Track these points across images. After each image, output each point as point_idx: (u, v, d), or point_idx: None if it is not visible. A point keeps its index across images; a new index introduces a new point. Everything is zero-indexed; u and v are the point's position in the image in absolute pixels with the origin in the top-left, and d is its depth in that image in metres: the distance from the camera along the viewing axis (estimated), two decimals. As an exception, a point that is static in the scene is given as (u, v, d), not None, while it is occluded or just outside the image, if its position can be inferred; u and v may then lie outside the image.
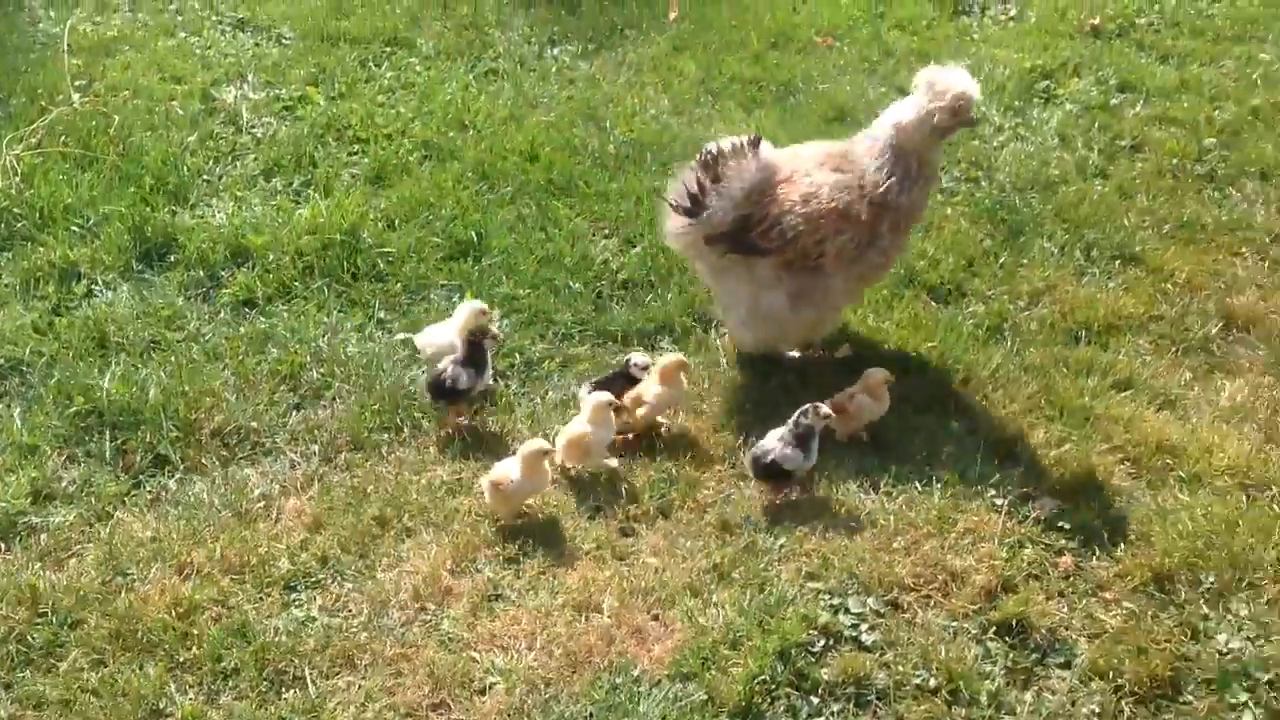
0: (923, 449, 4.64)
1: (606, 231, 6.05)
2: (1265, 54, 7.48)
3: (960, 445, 4.68)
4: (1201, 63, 7.44)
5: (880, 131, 4.53)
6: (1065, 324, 5.31)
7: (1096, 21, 7.83)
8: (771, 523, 4.37)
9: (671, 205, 4.59)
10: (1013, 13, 8.25)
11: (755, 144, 4.53)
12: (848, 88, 7.26)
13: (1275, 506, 4.31)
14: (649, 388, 4.61)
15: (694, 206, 4.51)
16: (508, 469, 4.19)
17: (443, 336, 4.84)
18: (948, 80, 4.42)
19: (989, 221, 6.01)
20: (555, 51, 7.88)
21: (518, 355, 5.10)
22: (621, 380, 4.67)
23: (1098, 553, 4.25)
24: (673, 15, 8.19)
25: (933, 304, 5.45)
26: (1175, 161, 6.43)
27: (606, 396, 4.40)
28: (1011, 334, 5.22)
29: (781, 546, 4.29)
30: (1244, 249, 5.77)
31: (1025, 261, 5.73)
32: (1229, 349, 5.18)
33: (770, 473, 4.28)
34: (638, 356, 4.74)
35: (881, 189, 4.45)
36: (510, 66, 7.62)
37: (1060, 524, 4.36)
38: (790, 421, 4.28)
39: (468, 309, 4.83)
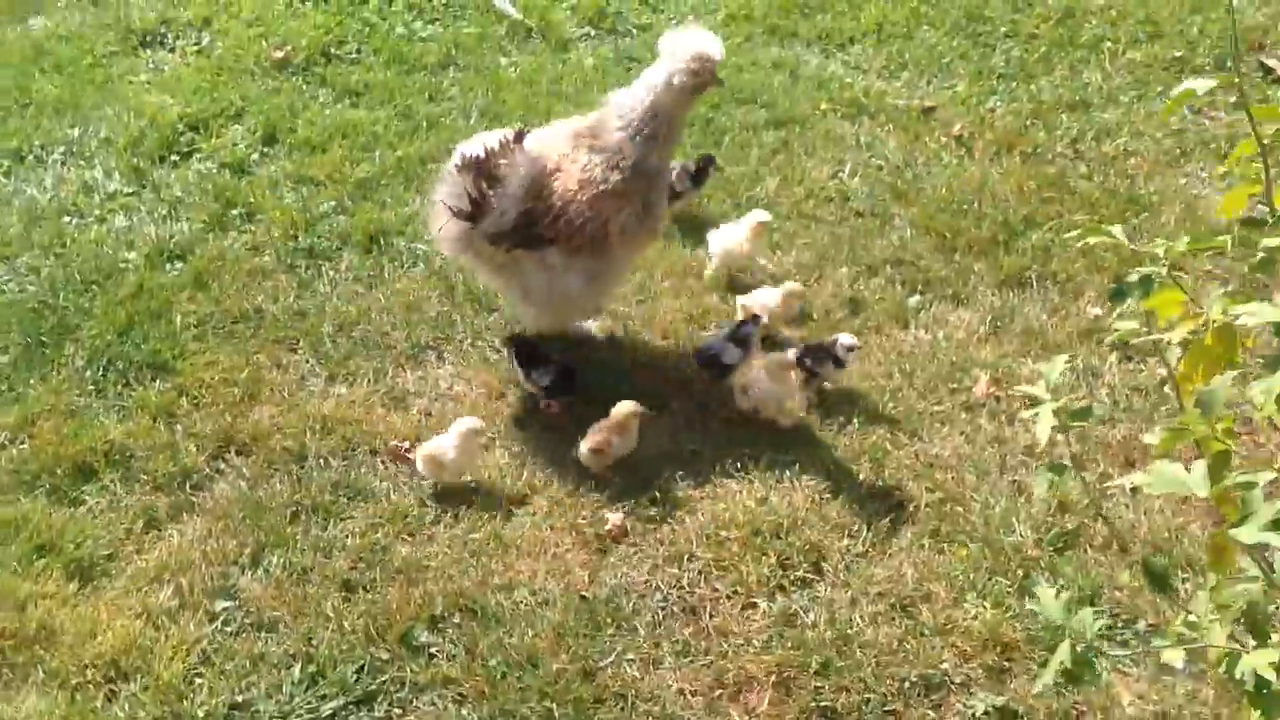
0: None
1: None
2: (453, 86, 7.32)
3: None
4: (380, 101, 7.18)
5: (634, 97, 4.85)
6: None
7: (282, 53, 7.46)
8: None
9: (452, 211, 4.81)
10: (202, 44, 7.75)
11: (520, 138, 4.83)
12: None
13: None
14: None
15: (476, 211, 4.78)
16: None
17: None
18: (688, 42, 4.83)
19: (19, 330, 5.48)
20: None
21: None
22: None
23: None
24: None
25: None
26: (278, 234, 6.10)
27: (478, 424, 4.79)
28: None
29: None
30: (301, 342, 5.48)
31: (34, 382, 5.23)
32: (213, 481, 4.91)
33: (710, 363, 5.15)
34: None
35: (636, 155, 4.83)
36: None
37: None
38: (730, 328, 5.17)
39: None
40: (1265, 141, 2.46)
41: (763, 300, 5.41)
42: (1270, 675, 2.50)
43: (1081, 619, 2.95)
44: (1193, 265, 5.45)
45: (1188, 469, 2.58)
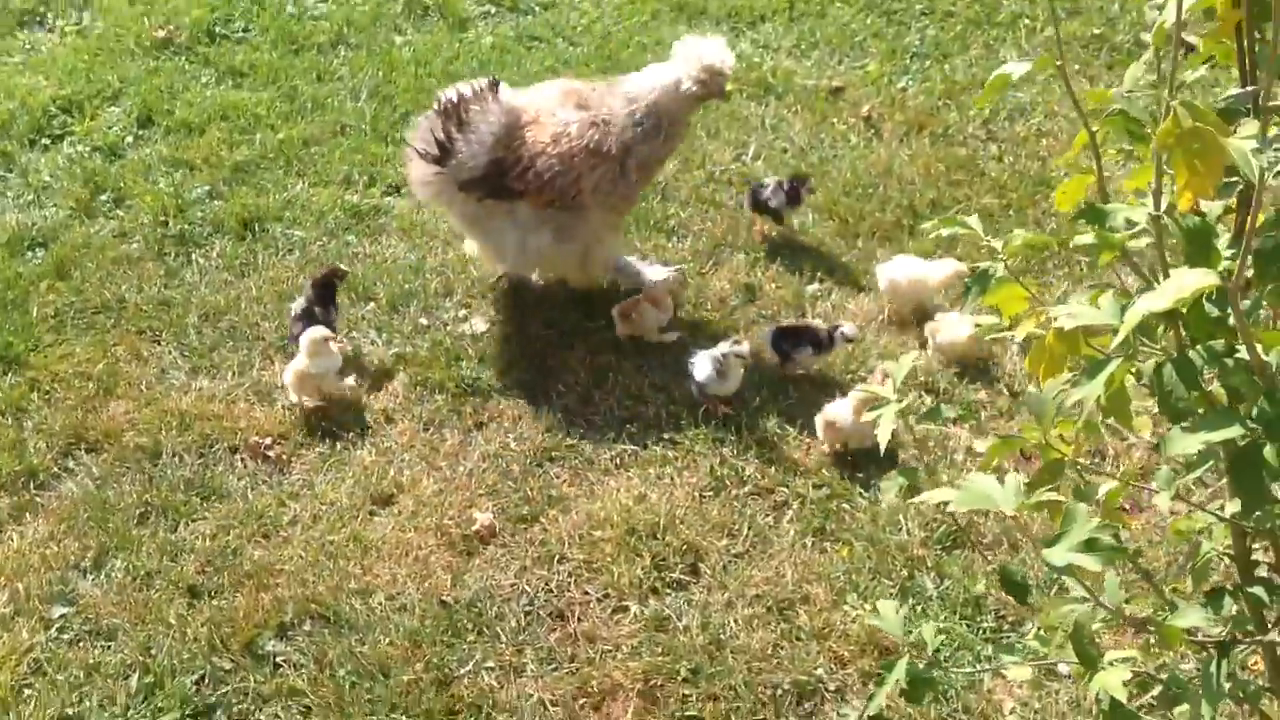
0: None
1: None
2: (343, 66, 7.10)
3: None
4: (265, 81, 6.95)
5: (641, 89, 4.95)
6: None
7: (164, 32, 7.20)
8: None
9: (419, 153, 4.93)
10: (82, 23, 7.48)
11: (494, 87, 4.89)
12: None
13: None
14: None
15: (443, 154, 4.86)
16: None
17: None
18: (702, 51, 4.91)
19: None
20: None
21: None
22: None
23: None
24: None
25: None
26: (148, 220, 5.87)
27: (323, 332, 4.85)
28: None
29: None
30: (164, 333, 5.26)
31: None
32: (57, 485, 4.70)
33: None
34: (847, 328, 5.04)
35: (628, 135, 4.91)
36: None
37: None
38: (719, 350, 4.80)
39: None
40: (1095, 129, 2.30)
41: (952, 330, 5.09)
42: (1120, 695, 2.38)
43: (922, 634, 2.82)
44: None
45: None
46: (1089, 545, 2.17)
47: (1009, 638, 4.15)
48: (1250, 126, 2.16)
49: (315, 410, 4.92)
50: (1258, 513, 2.08)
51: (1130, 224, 2.10)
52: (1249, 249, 1.92)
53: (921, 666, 2.70)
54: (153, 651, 4.09)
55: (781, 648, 4.11)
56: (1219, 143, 1.92)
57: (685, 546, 4.43)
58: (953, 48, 7.43)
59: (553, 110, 4.94)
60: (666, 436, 4.88)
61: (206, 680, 4.02)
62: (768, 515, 4.55)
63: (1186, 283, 1.92)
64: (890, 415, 2.70)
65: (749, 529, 4.50)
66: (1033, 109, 6.77)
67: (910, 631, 2.66)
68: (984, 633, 4.14)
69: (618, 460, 4.79)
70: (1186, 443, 2.06)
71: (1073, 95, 2.31)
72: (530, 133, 4.91)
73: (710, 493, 4.64)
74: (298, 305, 5.13)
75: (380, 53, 7.28)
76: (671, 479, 4.70)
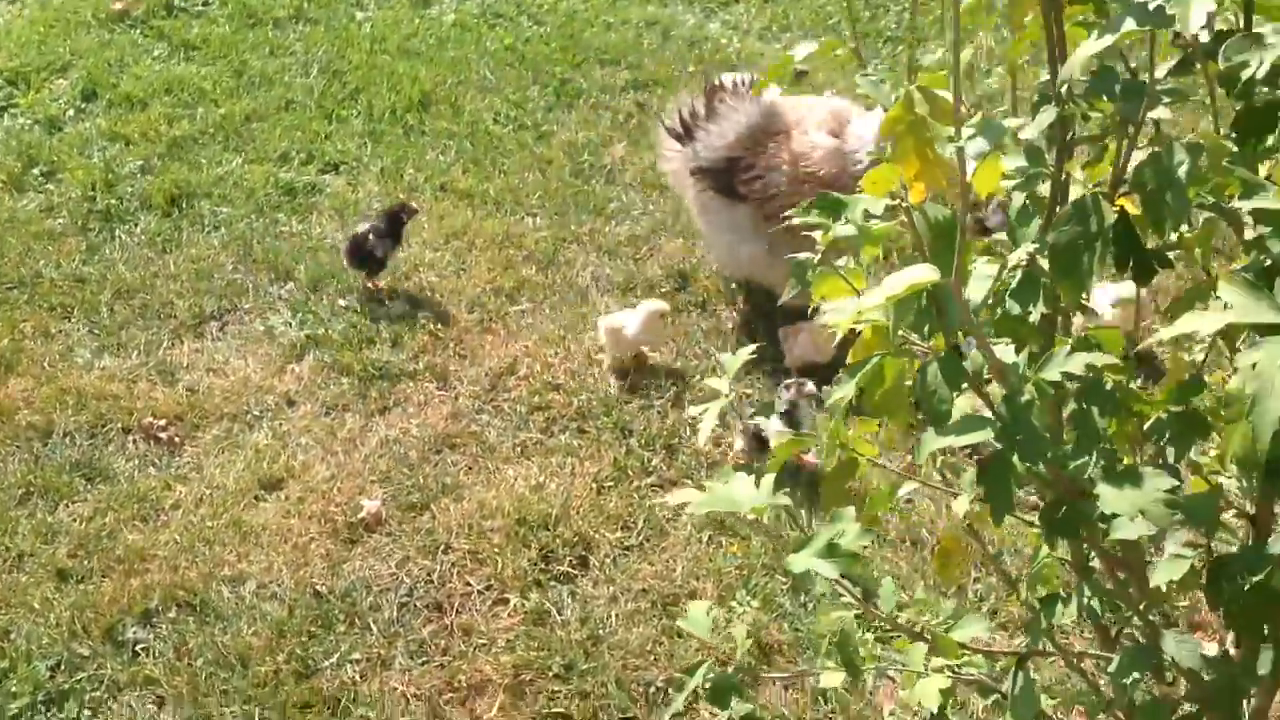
0: None
1: None
2: (298, 41, 6.99)
3: None
4: (216, 56, 6.86)
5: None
6: None
7: (122, 4, 7.14)
8: None
9: (665, 126, 5.00)
10: (41, -6, 7.45)
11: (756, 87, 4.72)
12: None
13: None
14: None
15: (685, 134, 4.89)
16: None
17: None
18: None
19: None
20: None
21: None
22: None
23: None
24: None
25: None
26: (77, 195, 5.79)
27: (663, 307, 4.85)
28: None
29: None
30: (75, 310, 5.18)
31: None
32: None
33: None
34: None
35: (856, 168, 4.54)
36: None
37: None
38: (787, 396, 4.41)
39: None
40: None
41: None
42: (933, 704, 2.23)
43: (734, 636, 2.69)
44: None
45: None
46: (830, 551, 2.01)
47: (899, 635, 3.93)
48: (1049, 114, 2.02)
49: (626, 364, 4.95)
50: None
51: (870, 215, 1.93)
52: (962, 245, 1.76)
53: (731, 671, 2.57)
54: (12, 636, 3.98)
55: (660, 644, 3.94)
56: (940, 133, 1.76)
57: (576, 538, 4.27)
58: (930, 31, 7.18)
59: (808, 128, 4.76)
60: (575, 425, 4.72)
61: (62, 666, 3.91)
62: (666, 508, 4.36)
63: (903, 279, 1.77)
64: (713, 413, 2.54)
65: (645, 522, 4.33)
66: (1000, 97, 6.51)
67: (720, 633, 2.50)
68: (878, 631, 3.93)
69: (520, 448, 4.63)
70: (937, 444, 1.91)
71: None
72: (776, 144, 4.75)
73: (610, 483, 4.48)
74: (361, 229, 5.22)
75: (338, 28, 7.16)
76: (573, 469, 4.54)
